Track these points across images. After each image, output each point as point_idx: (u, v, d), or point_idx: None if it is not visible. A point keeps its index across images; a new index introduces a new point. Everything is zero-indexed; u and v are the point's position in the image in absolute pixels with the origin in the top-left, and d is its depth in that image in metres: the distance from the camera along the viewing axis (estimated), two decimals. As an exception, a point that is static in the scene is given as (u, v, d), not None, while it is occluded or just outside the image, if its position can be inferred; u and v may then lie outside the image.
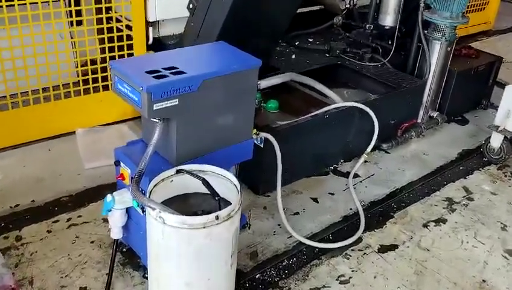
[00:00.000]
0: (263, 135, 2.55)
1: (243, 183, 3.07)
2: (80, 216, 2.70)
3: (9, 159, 3.14)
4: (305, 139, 3.09)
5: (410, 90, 3.64)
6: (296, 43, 4.25)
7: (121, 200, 2.19)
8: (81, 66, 3.44)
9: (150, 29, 3.58)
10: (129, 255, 2.42)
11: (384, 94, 3.58)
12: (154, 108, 1.92)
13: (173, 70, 2.01)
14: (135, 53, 3.51)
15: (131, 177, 2.09)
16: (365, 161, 3.38)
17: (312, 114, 3.12)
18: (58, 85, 3.30)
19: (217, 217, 1.79)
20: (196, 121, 2.10)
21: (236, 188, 1.99)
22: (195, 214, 2.12)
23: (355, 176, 3.27)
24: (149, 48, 3.66)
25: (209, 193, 2.07)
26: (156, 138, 2.01)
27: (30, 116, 3.26)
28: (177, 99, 1.98)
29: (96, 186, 2.93)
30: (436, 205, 3.03)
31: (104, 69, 3.42)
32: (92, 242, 2.52)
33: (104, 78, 3.46)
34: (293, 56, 4.02)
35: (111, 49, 3.40)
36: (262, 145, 2.79)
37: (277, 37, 3.53)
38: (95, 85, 3.44)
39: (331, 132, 3.22)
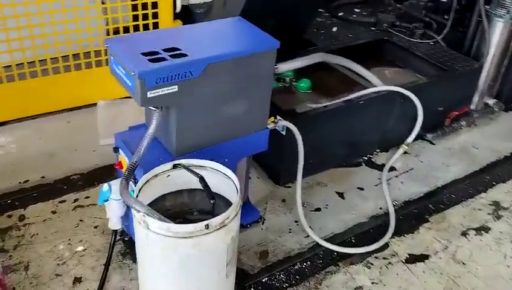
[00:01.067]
0: (283, 123, 2.27)
1: (263, 171, 2.84)
2: (87, 197, 2.57)
3: (27, 130, 3.05)
4: (335, 126, 2.78)
5: (464, 74, 3.20)
6: (340, 14, 3.86)
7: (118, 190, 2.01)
8: (113, 33, 3.23)
9: (178, -5, 3.33)
10: (130, 245, 2.27)
11: (434, 77, 3.17)
12: (149, 95, 1.70)
13: (174, 53, 1.76)
14: (160, 22, 3.27)
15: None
16: (405, 152, 3.03)
17: (344, 99, 2.79)
18: (81, 53, 3.13)
19: (206, 226, 1.57)
20: (199, 109, 1.86)
21: (237, 189, 1.75)
22: (191, 214, 1.92)
23: (391, 169, 2.94)
24: (177, 16, 3.42)
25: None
26: (153, 128, 1.79)
27: (52, 86, 3.13)
28: (176, 86, 1.74)
29: (109, 164, 2.78)
30: (480, 210, 2.67)
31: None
32: (95, 227, 2.39)
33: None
34: (334, 29, 3.65)
35: (135, 18, 3.19)
36: (284, 133, 2.52)
37: (314, 8, 3.17)
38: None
39: (366, 118, 2.89)
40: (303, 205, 2.59)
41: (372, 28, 3.67)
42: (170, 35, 1.91)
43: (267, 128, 2.15)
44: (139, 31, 3.22)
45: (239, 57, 1.83)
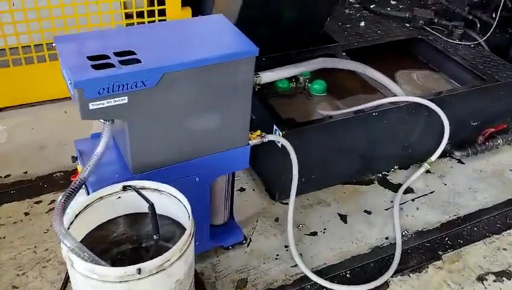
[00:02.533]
0: (270, 138, 1.97)
1: (261, 180, 2.56)
2: (65, 199, 2.39)
3: (21, 118, 2.91)
4: (344, 138, 2.44)
5: (506, 85, 2.75)
6: (372, 6, 3.45)
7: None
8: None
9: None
10: (97, 260, 2.07)
11: (469, 87, 2.74)
12: (91, 107, 1.45)
13: (126, 58, 1.50)
14: (167, 9, 3.02)
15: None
16: (427, 171, 2.66)
17: (356, 109, 2.44)
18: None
19: (139, 271, 1.32)
20: (158, 123, 1.59)
21: (189, 221, 1.49)
22: (140, 244, 1.68)
23: (408, 190, 2.57)
24: (186, 3, 3.15)
25: (167, 215, 1.61)
26: (103, 145, 1.55)
27: (48, 73, 2.96)
28: (126, 97, 1.48)
29: (95, 163, 2.59)
30: (505, 250, 2.28)
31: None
32: (65, 235, 2.20)
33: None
34: (362, 23, 3.26)
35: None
36: (280, 145, 2.22)
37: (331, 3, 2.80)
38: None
39: (383, 130, 2.53)
40: (298, 227, 2.30)
41: (406, 25, 3.25)
42: (129, 35, 1.64)
43: (248, 144, 1.86)
44: (142, 17, 2.98)
45: (205, 65, 1.54)
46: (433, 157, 2.63)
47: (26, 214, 2.31)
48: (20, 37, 2.76)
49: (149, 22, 2.99)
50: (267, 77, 1.88)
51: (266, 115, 2.36)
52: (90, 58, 1.48)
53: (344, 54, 2.87)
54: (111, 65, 1.46)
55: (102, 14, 2.84)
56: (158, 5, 2.99)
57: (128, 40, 1.59)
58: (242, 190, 2.52)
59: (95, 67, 1.44)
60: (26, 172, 2.54)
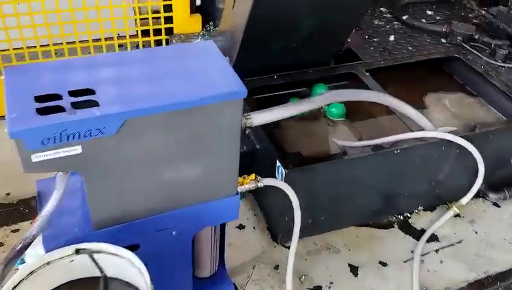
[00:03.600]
0: (266, 182, 1.68)
1: (263, 217, 2.27)
2: (44, 229, 2.16)
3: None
4: (359, 176, 2.12)
5: (555, 118, 2.37)
6: (404, 17, 3.08)
7: (34, 254, 1.56)
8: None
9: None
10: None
11: (509, 121, 2.37)
12: (34, 159, 1.19)
13: (82, 99, 1.23)
14: (174, 16, 2.74)
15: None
16: (456, 215, 2.31)
17: (376, 142, 2.12)
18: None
19: None
20: (122, 175, 1.32)
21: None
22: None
23: (432, 238, 2.23)
24: (197, 10, 2.87)
25: (125, 280, 1.36)
26: (56, 199, 1.30)
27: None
28: (79, 147, 1.21)
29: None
30: (545, 324, 1.92)
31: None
32: (38, 273, 1.98)
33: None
34: (392, 37, 2.90)
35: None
36: (283, 181, 1.92)
37: (359, 11, 2.46)
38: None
39: (406, 169, 2.19)
40: (300, 279, 2.01)
41: (443, 40, 2.88)
42: (95, 66, 1.36)
43: (237, 193, 1.57)
44: (147, 25, 2.72)
45: (178, 109, 1.25)
46: (464, 201, 2.28)
47: (1, 244, 2.09)
48: (26, 42, 2.55)
49: (155, 30, 2.73)
50: (260, 118, 1.58)
51: (269, 147, 2.07)
52: (38, 98, 1.21)
53: (368, 74, 2.53)
54: (61, 109, 1.19)
55: (102, 21, 2.61)
56: (165, 12, 2.73)
57: (92, 74, 1.32)
58: (241, 227, 2.24)
59: (41, 111, 1.18)
60: (8, 193, 2.34)
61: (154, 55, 1.45)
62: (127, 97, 1.24)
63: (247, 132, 1.91)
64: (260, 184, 1.66)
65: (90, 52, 2.68)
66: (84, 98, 1.23)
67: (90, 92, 1.25)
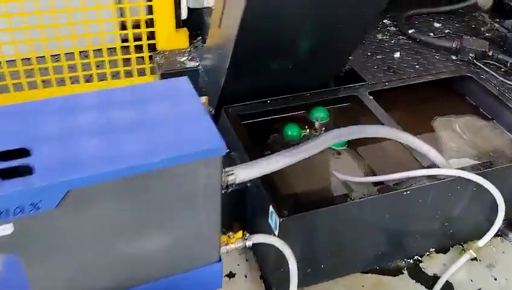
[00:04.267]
0: (256, 240, 1.42)
1: (256, 262, 2.01)
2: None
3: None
4: (365, 220, 1.86)
5: None
6: (410, 31, 2.81)
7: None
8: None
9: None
10: None
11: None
12: (-49, 241, 0.93)
13: (14, 163, 0.97)
14: (157, 32, 2.48)
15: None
16: (473, 259, 2.04)
17: (382, 178, 1.86)
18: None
19: None
20: (69, 252, 1.06)
21: None
22: None
23: (447, 286, 1.97)
24: (183, 24, 2.60)
25: None
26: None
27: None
28: (9, 225, 0.95)
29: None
30: None
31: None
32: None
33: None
34: (397, 54, 2.64)
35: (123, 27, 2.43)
36: (276, 232, 1.66)
37: (360, 34, 2.19)
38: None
39: (416, 210, 1.93)
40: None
41: (453, 57, 2.61)
42: (31, 115, 1.09)
43: (220, 260, 1.31)
44: (127, 42, 2.45)
45: (137, 174, 0.99)
46: (481, 243, 2.01)
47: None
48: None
49: (137, 46, 2.46)
50: (245, 175, 1.32)
51: (260, 186, 1.80)
52: (-44, 162, 0.95)
53: (371, 97, 2.27)
54: (-16, 177, 0.93)
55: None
56: (147, 27, 2.46)
57: (28, 128, 1.05)
58: (231, 275, 1.98)
59: (-41, 180, 0.91)
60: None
61: (110, 99, 1.18)
62: (70, 160, 0.97)
63: (229, 190, 1.63)
64: (249, 243, 1.40)
65: (62, 72, 2.42)
66: (16, 162, 0.96)
67: (25, 153, 0.98)
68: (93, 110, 1.11)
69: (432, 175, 1.85)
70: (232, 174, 1.25)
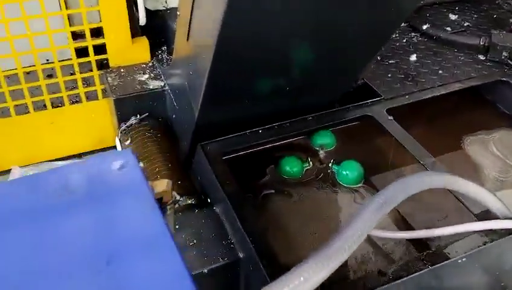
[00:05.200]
0: None
1: None
2: None
3: None
4: None
5: None
6: (425, 27, 2.30)
7: None
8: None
9: (140, -2, 1.93)
10: None
11: None
12: None
13: None
14: (108, 46, 1.91)
15: None
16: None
17: (420, 235, 1.37)
18: None
19: None
20: None
21: None
22: None
23: None
24: (142, 32, 2.03)
25: None
26: None
27: None
28: None
29: None
30: None
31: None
32: None
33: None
34: (413, 57, 2.12)
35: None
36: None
37: (380, 41, 1.65)
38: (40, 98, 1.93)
39: (470, 276, 1.42)
40: None
41: (481, 58, 2.12)
42: None
43: None
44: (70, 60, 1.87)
45: None
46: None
47: None
48: None
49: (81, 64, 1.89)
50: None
51: (255, 258, 1.28)
52: None
53: (390, 117, 1.76)
54: None
55: None
56: (93, 37, 1.89)
57: None
58: None
59: None
60: None
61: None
62: None
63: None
64: None
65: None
66: None
67: None
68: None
69: (496, 229, 1.35)
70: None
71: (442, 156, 1.77)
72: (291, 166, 1.71)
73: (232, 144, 1.61)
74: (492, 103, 2.09)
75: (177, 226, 1.45)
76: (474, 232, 1.36)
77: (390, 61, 2.06)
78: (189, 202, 1.54)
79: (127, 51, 1.96)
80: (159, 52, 2.04)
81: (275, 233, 1.49)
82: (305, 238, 1.50)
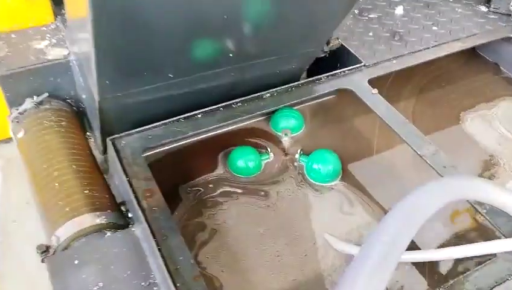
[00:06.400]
0: None
1: None
2: None
3: None
4: None
5: None
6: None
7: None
8: None
9: None
10: None
11: None
12: None
13: None
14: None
15: None
16: None
17: (422, 257, 0.95)
18: None
19: None
20: None
21: None
22: None
23: None
24: None
25: None
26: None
27: None
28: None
29: None
30: None
31: None
32: None
33: None
34: (399, 9, 1.66)
35: None
36: None
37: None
38: None
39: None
40: None
41: (482, 9, 1.68)
42: None
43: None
44: None
45: None
46: None
47: None
48: None
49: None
50: None
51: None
52: None
53: (375, 91, 1.32)
54: None
55: None
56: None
57: None
58: None
59: None
60: None
61: None
62: None
63: None
64: None
65: None
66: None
67: None
68: None
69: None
70: None
71: (439, 138, 1.36)
72: (246, 160, 1.27)
73: (156, 136, 1.14)
74: (494, 65, 1.68)
75: (76, 262, 1.00)
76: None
77: (370, 16, 1.60)
78: (98, 221, 1.07)
79: (20, 8, 1.42)
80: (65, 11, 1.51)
81: (216, 270, 1.05)
82: (261, 273, 1.06)
